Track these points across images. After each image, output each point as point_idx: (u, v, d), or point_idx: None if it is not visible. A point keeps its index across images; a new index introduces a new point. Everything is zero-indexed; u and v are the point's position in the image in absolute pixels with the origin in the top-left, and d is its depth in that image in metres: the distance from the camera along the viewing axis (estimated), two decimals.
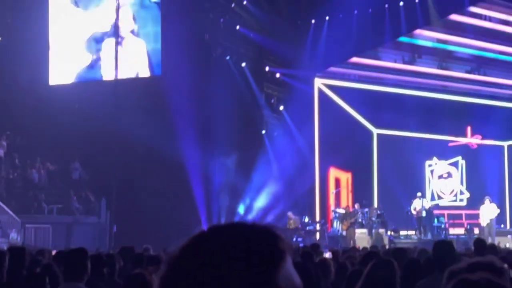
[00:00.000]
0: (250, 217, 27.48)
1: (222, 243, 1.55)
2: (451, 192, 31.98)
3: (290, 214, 26.88)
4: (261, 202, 27.67)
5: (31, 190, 28.36)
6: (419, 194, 27.75)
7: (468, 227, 28.27)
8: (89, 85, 29.83)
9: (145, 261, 9.03)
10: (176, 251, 1.58)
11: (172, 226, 23.55)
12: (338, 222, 26.64)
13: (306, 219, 27.42)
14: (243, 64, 28.55)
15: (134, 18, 29.45)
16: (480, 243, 10.59)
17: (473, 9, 25.74)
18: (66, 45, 30.50)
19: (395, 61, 29.06)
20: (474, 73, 30.08)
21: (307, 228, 27.03)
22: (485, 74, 30.11)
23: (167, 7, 28.40)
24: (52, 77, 30.73)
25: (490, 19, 26.45)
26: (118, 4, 29.19)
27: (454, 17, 25.80)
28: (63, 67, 30.55)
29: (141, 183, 26.77)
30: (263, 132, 29.15)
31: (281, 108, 29.30)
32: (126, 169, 27.16)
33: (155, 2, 29.10)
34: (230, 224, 1.62)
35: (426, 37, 27.49)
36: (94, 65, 30.18)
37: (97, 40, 30.08)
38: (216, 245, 1.55)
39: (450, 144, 31.52)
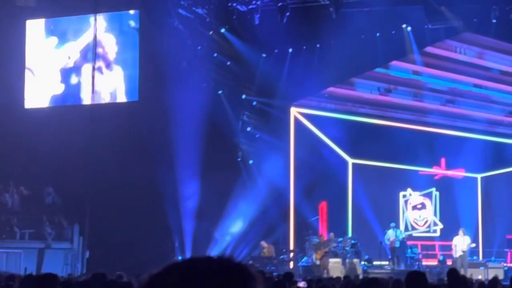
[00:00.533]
0: (225, 242, 27.37)
1: (195, 276, 1.50)
2: (425, 223, 32.07)
3: (263, 242, 26.79)
4: (235, 228, 27.57)
5: (3, 215, 28.07)
6: (393, 224, 27.91)
7: (441, 258, 28.38)
8: (64, 109, 29.72)
9: None
10: (146, 278, 1.55)
11: (146, 252, 23.41)
12: (312, 251, 26.59)
13: (280, 248, 27.35)
14: (220, 92, 28.59)
15: (113, 44, 29.44)
16: (453, 274, 10.62)
17: (449, 42, 25.98)
18: (43, 69, 30.39)
19: (371, 92, 29.20)
20: (448, 106, 30.29)
21: (281, 257, 26.95)
22: (459, 107, 30.32)
23: (145, 33, 28.46)
24: (28, 100, 30.57)
25: (465, 52, 26.70)
26: (96, 29, 29.21)
27: (430, 49, 26.02)
28: (39, 91, 30.40)
29: (114, 208, 26.61)
30: (239, 159, 29.14)
31: (257, 135, 29.32)
32: (99, 195, 27.02)
33: (134, 28, 29.14)
34: (203, 257, 1.58)
35: (401, 68, 27.69)
36: (71, 90, 30.08)
37: (75, 65, 30.01)
38: (189, 277, 1.50)
39: (421, 172, 31.66)
